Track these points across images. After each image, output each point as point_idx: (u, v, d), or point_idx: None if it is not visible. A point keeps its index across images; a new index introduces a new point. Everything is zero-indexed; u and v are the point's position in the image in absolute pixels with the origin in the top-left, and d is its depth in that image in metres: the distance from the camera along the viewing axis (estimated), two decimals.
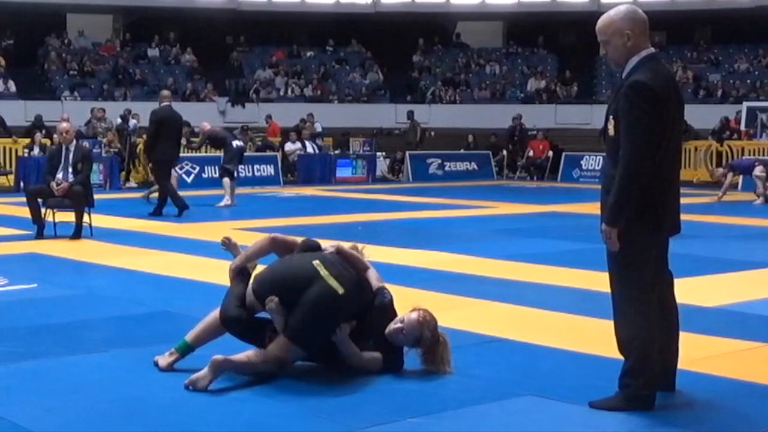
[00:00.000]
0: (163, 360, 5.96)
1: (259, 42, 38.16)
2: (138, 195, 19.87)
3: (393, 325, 5.94)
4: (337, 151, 27.66)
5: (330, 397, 5.47)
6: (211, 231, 13.87)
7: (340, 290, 5.72)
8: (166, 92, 17.55)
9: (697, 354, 6.48)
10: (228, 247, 6.57)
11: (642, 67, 5.20)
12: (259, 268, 6.21)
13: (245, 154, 20.69)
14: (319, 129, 28.97)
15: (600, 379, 5.81)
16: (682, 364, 5.69)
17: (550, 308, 8.06)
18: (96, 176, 21.17)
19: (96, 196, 13.62)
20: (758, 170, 20.04)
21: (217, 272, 10.01)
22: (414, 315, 5.96)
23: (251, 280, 6.03)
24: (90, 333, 7.23)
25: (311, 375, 5.90)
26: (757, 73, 34.87)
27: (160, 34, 37.03)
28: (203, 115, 30.35)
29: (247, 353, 5.72)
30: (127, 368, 6.06)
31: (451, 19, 39.37)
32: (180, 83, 34.68)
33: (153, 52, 36.39)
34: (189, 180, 23.69)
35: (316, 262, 5.82)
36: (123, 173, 24.21)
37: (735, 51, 36.39)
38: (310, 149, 26.87)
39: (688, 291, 9.02)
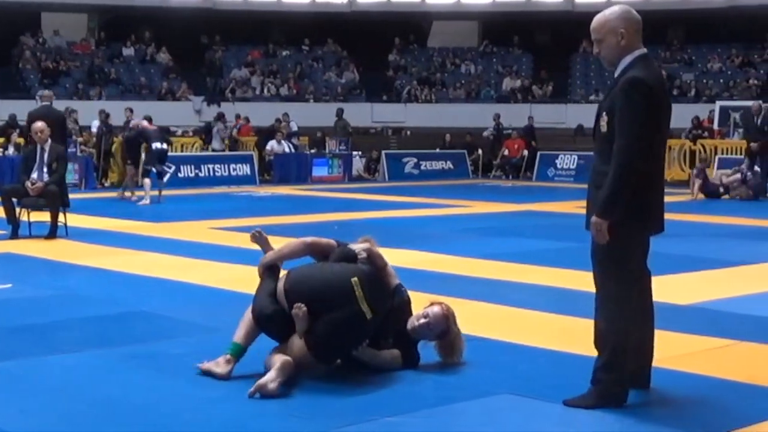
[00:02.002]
0: (221, 367, 5.74)
1: (234, 41, 38.10)
2: (114, 195, 19.84)
3: (417, 321, 6.03)
4: (313, 151, 27.65)
5: (307, 396, 5.46)
6: (187, 231, 13.85)
7: (369, 314, 5.73)
8: (47, 92, 17.66)
9: (671, 352, 6.51)
10: (258, 241, 6.40)
11: (637, 65, 5.28)
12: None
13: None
14: (294, 128, 28.93)
15: (578, 378, 5.83)
16: (657, 362, 5.72)
17: (527, 307, 8.09)
18: (71, 176, 21.07)
19: (71, 196, 13.58)
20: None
21: (194, 272, 10.03)
22: (437, 309, 6.08)
23: (284, 279, 5.92)
24: (66, 333, 7.20)
25: None
26: (729, 72, 35.08)
27: (136, 34, 36.91)
28: (179, 114, 30.35)
29: (285, 358, 5.63)
30: (104, 369, 6.04)
31: (426, 18, 39.40)
32: (155, 82, 34.59)
33: (128, 51, 36.27)
34: (165, 179, 23.61)
35: (354, 280, 5.76)
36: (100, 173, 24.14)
37: (708, 51, 36.60)
38: (286, 148, 26.86)
39: (663, 289, 9.06)
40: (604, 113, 5.29)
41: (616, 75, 5.35)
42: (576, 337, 7.03)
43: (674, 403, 5.39)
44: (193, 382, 5.66)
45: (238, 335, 5.85)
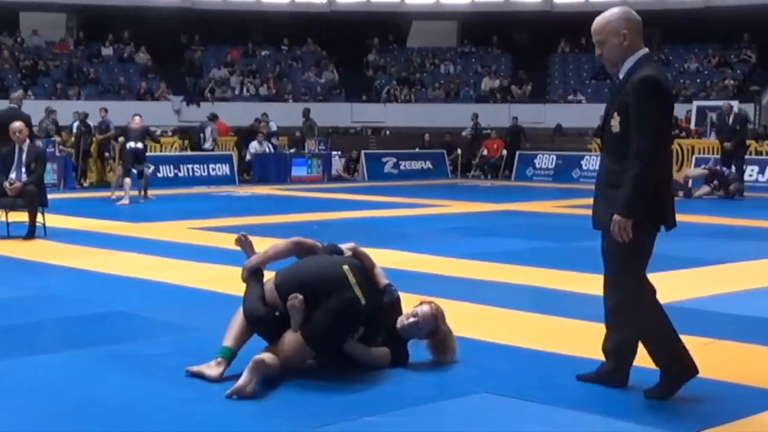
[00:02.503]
0: (213, 370, 5.68)
1: (214, 41, 38.05)
2: (93, 195, 19.79)
3: (407, 320, 6.07)
4: (292, 150, 27.63)
5: (286, 395, 5.45)
6: (166, 231, 13.83)
7: (363, 300, 5.77)
8: (17, 93, 17.75)
9: None
10: (242, 245, 6.40)
11: (643, 65, 5.35)
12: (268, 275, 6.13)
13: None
14: (273, 128, 28.90)
15: (555, 377, 5.88)
16: (635, 361, 5.74)
17: (506, 306, 8.10)
18: (50, 176, 21.00)
19: (50, 196, 13.52)
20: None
21: (172, 272, 10.01)
22: (426, 308, 6.12)
23: (274, 277, 5.94)
24: (44, 333, 7.18)
25: None
26: (706, 72, 35.26)
27: (114, 33, 36.80)
28: (158, 114, 30.25)
29: (269, 354, 5.62)
30: (82, 369, 6.01)
31: (405, 18, 39.44)
32: (134, 82, 34.50)
33: (107, 50, 36.17)
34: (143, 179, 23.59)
35: (345, 267, 5.82)
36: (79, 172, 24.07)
37: (685, 51, 36.78)
38: (266, 148, 26.84)
39: None
40: (616, 113, 5.36)
41: (621, 76, 5.42)
42: (555, 336, 7.08)
43: (653, 402, 5.40)
44: (171, 382, 5.64)
45: (228, 339, 5.81)
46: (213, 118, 27.57)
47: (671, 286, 9.33)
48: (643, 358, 6.01)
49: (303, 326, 5.66)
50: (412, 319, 6.05)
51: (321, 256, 6.07)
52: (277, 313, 5.82)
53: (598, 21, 5.50)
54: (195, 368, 5.74)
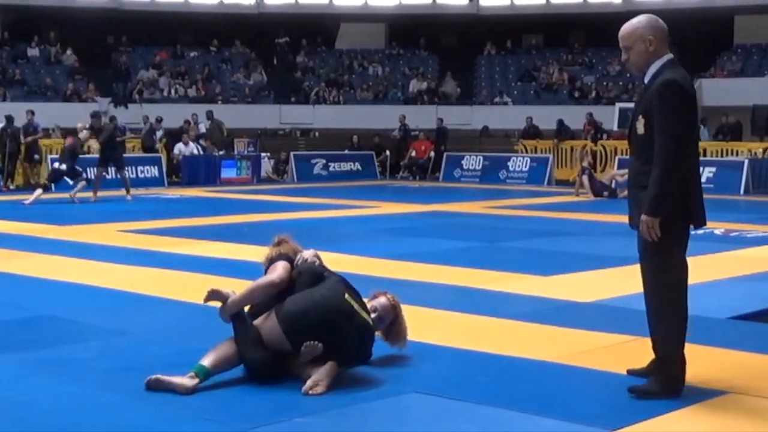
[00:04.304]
0: (185, 381, 5.50)
1: (142, 42, 37.73)
2: (19, 197, 19.58)
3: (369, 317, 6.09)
4: (221, 152, 27.53)
5: (216, 398, 5.46)
6: (95, 234, 13.72)
7: (369, 321, 5.92)
8: None
9: (574, 348, 6.68)
10: (212, 298, 5.88)
11: (668, 69, 5.55)
12: None
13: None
14: (203, 130, 28.78)
15: (481, 375, 5.97)
16: (559, 359, 5.87)
17: (434, 306, 8.16)
18: None
19: None
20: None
21: (101, 275, 9.94)
22: (384, 300, 6.23)
23: (273, 321, 5.72)
24: None
25: None
26: (628, 75, 35.66)
27: (40, 34, 36.33)
28: (85, 116, 29.86)
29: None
30: (10, 374, 5.97)
31: (333, 20, 39.47)
32: (61, 83, 34.08)
33: (33, 51, 35.69)
34: (71, 181, 23.38)
35: (347, 297, 5.82)
36: (3, 175, 23.79)
37: (608, 54, 37.25)
38: (194, 150, 26.73)
39: (564, 287, 9.30)
40: (641, 116, 5.55)
41: (646, 80, 5.64)
42: (481, 335, 7.18)
43: (577, 399, 5.50)
44: (100, 387, 5.62)
45: (208, 359, 5.64)
46: (160, 120, 27.76)
47: (597, 285, 9.53)
48: (569, 356, 6.12)
49: (332, 363, 5.67)
50: (373, 315, 6.08)
51: (315, 291, 5.84)
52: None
53: (626, 27, 5.72)
54: (164, 377, 5.54)
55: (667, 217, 5.42)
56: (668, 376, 5.53)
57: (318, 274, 6.01)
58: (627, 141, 5.85)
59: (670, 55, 5.63)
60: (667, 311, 5.54)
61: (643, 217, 5.43)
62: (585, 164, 22.41)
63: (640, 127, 5.54)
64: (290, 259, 6.11)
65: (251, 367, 5.75)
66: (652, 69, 5.61)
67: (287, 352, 5.75)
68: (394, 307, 6.24)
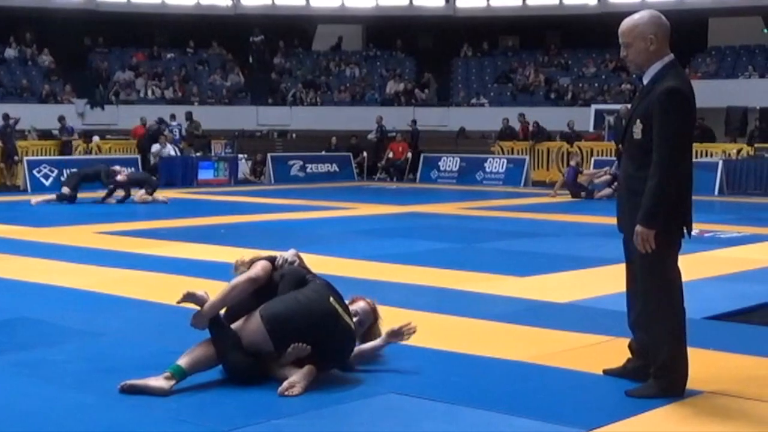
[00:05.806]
0: (161, 382, 5.45)
1: (118, 43, 37.55)
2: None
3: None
4: (198, 154, 27.47)
5: (193, 400, 5.45)
6: (71, 235, 13.67)
7: (351, 324, 5.92)
8: None
9: (550, 348, 6.71)
10: (188, 300, 5.76)
11: (670, 74, 5.38)
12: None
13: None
14: (176, 134, 28.69)
15: (457, 376, 5.99)
16: (535, 359, 5.88)
17: (411, 307, 8.14)
18: None
19: None
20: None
21: (77, 276, 9.90)
22: (363, 305, 6.27)
23: (256, 323, 5.68)
24: None
25: None
26: (604, 76, 35.89)
27: (16, 35, 36.09)
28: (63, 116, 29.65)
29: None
30: None
31: (311, 22, 39.44)
32: (37, 84, 33.89)
33: (9, 52, 35.46)
34: (47, 183, 23.48)
35: (332, 300, 5.83)
36: None
37: (583, 55, 37.38)
38: (171, 152, 26.65)
39: (540, 288, 9.34)
40: (639, 120, 5.40)
41: (645, 81, 5.47)
42: (456, 335, 7.19)
43: (553, 399, 5.53)
44: (76, 389, 5.60)
45: (185, 360, 5.60)
46: (162, 121, 27.96)
47: (572, 285, 9.56)
48: (545, 356, 6.15)
49: (312, 365, 5.70)
50: (354, 319, 6.08)
51: (299, 293, 5.83)
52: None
53: (626, 23, 5.50)
54: (139, 382, 5.49)
55: (664, 228, 5.34)
56: (670, 380, 5.47)
57: (301, 276, 6.02)
58: (619, 143, 5.77)
59: (671, 56, 5.46)
60: (664, 314, 5.48)
61: (638, 228, 5.32)
62: (573, 163, 22.56)
63: (637, 131, 5.40)
64: (271, 260, 6.12)
65: (233, 371, 5.74)
66: (653, 70, 5.45)
67: (266, 353, 5.75)
68: (373, 311, 6.29)
